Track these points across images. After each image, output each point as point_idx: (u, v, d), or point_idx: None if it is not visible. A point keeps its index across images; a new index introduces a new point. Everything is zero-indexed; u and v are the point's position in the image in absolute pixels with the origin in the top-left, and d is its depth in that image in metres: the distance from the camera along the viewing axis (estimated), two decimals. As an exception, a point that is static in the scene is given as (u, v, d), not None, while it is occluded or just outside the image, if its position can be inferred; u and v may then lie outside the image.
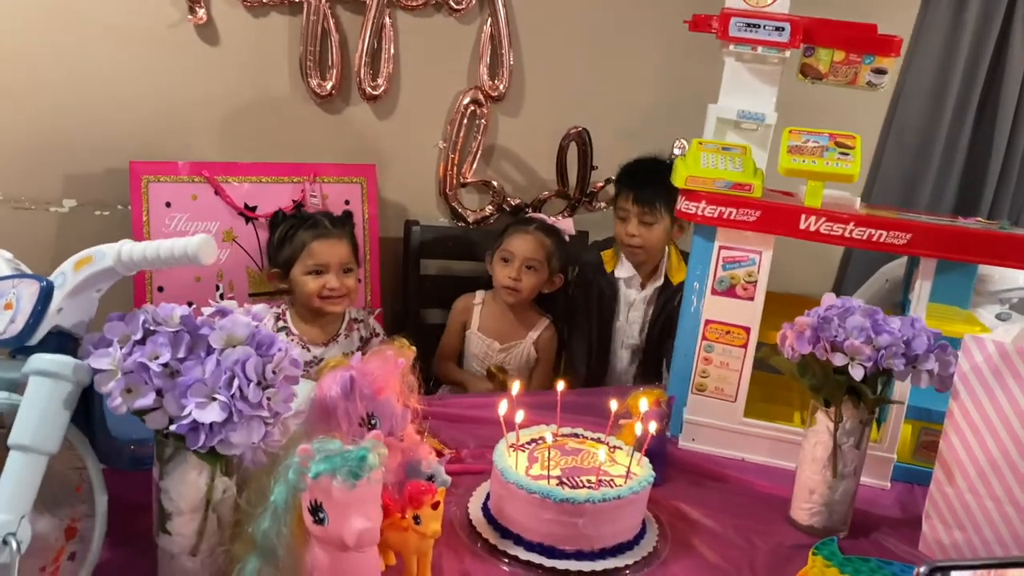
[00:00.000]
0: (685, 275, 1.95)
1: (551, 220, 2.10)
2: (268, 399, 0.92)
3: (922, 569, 0.59)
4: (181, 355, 0.91)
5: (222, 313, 0.96)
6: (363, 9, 2.02)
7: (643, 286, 2.05)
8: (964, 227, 1.41)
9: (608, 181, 2.37)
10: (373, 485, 0.87)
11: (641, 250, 2.00)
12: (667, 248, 2.05)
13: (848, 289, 2.48)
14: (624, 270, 2.06)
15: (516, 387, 1.32)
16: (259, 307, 1.00)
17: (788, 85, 1.58)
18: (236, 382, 0.89)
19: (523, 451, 1.24)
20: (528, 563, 1.14)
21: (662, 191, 1.84)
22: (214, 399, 0.89)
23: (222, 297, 1.92)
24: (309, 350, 1.82)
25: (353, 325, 1.89)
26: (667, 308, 2.02)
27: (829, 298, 1.28)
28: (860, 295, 2.31)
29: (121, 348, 0.91)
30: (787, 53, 1.52)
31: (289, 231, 1.82)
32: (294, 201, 1.96)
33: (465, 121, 2.19)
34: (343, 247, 1.82)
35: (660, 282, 2.04)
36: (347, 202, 2.04)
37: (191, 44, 1.94)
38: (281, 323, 1.83)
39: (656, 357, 2.04)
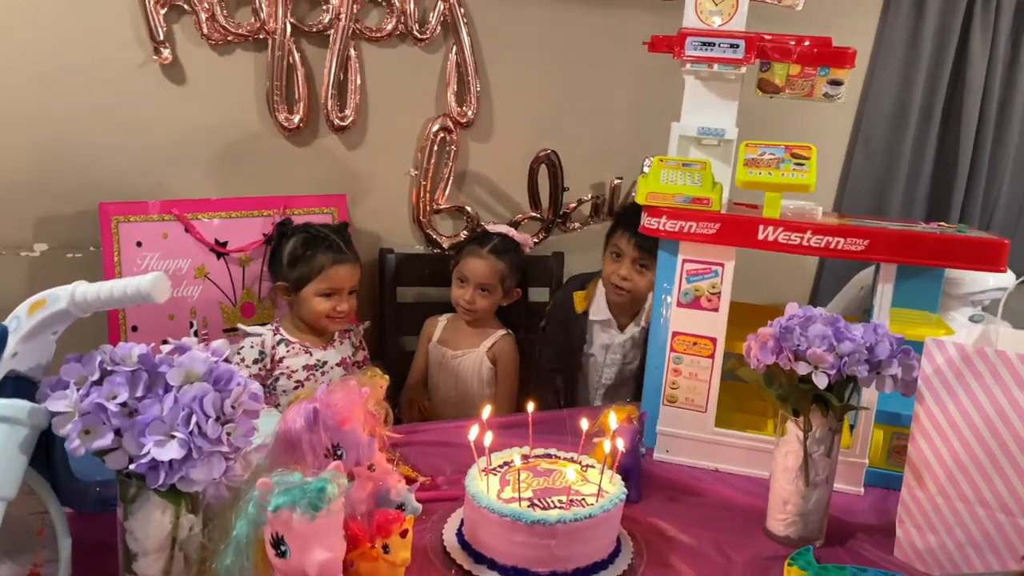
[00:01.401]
0: None
1: (512, 233, 2.10)
2: (228, 434, 0.92)
3: None
4: (139, 394, 0.92)
5: (181, 350, 0.97)
6: (327, 42, 2.05)
7: (623, 329, 2.02)
8: (921, 232, 1.43)
9: (580, 202, 2.40)
10: (333, 516, 0.87)
11: (628, 294, 1.96)
12: (650, 294, 1.99)
13: (824, 298, 2.50)
14: (599, 312, 2.02)
15: (487, 411, 1.32)
16: (218, 342, 1.00)
17: (757, 101, 1.61)
18: (194, 418, 0.90)
19: (495, 475, 1.24)
20: (502, 587, 1.13)
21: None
22: (173, 436, 0.89)
23: (196, 334, 1.92)
24: (311, 353, 1.86)
25: (344, 335, 1.93)
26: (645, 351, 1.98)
27: (792, 308, 1.29)
28: (836, 303, 2.34)
29: (78, 390, 0.91)
30: (743, 69, 1.55)
31: (306, 251, 1.82)
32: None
33: (435, 148, 2.21)
34: (356, 271, 1.87)
35: (642, 325, 1.99)
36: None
37: (158, 84, 1.96)
38: (279, 336, 1.85)
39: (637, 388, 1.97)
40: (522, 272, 2.08)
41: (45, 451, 0.97)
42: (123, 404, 0.90)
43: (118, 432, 0.90)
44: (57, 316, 0.94)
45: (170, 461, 0.88)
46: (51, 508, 0.96)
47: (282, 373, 1.83)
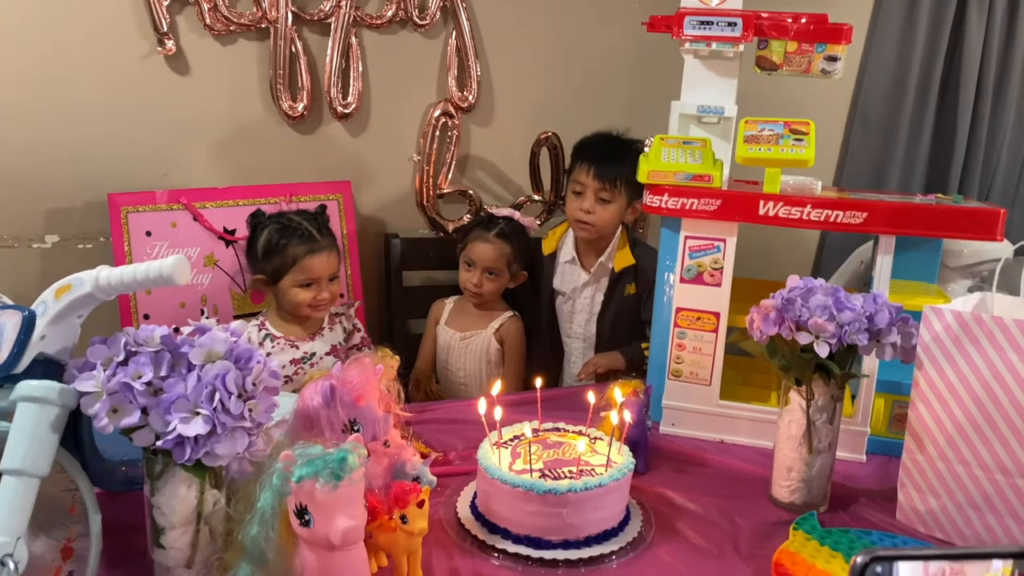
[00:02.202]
0: (629, 262, 1.97)
1: (516, 216, 2.13)
2: (249, 410, 0.95)
3: (860, 558, 0.60)
4: (163, 373, 0.95)
5: (201, 331, 1.00)
6: (328, 30, 2.07)
7: (588, 269, 2.03)
8: (918, 203, 1.45)
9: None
10: (355, 485, 0.90)
11: (592, 228, 1.96)
12: (618, 231, 2.02)
13: (825, 272, 2.52)
14: (566, 254, 2.04)
15: (497, 386, 1.35)
16: (237, 323, 1.03)
17: (757, 79, 1.63)
18: (217, 395, 0.93)
19: (506, 448, 1.28)
20: (516, 555, 1.17)
21: (623, 169, 1.82)
22: (197, 413, 0.93)
23: (207, 319, 1.95)
24: (298, 347, 1.86)
25: (335, 319, 1.93)
26: (614, 296, 1.99)
27: (793, 280, 1.32)
28: (837, 278, 2.36)
29: (104, 370, 0.94)
30: (741, 47, 1.57)
31: (280, 240, 1.81)
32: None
33: (437, 133, 2.24)
34: (333, 258, 1.85)
35: (609, 267, 2.00)
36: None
37: (163, 75, 1.98)
38: (264, 332, 1.86)
39: (613, 347, 2.01)
40: (528, 255, 2.11)
41: (74, 432, 1.00)
42: (148, 383, 0.93)
43: (144, 410, 0.93)
44: (82, 300, 0.97)
45: (195, 437, 0.92)
46: (81, 485, 0.99)
47: None
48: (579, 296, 2.07)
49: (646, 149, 2.06)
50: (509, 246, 2.05)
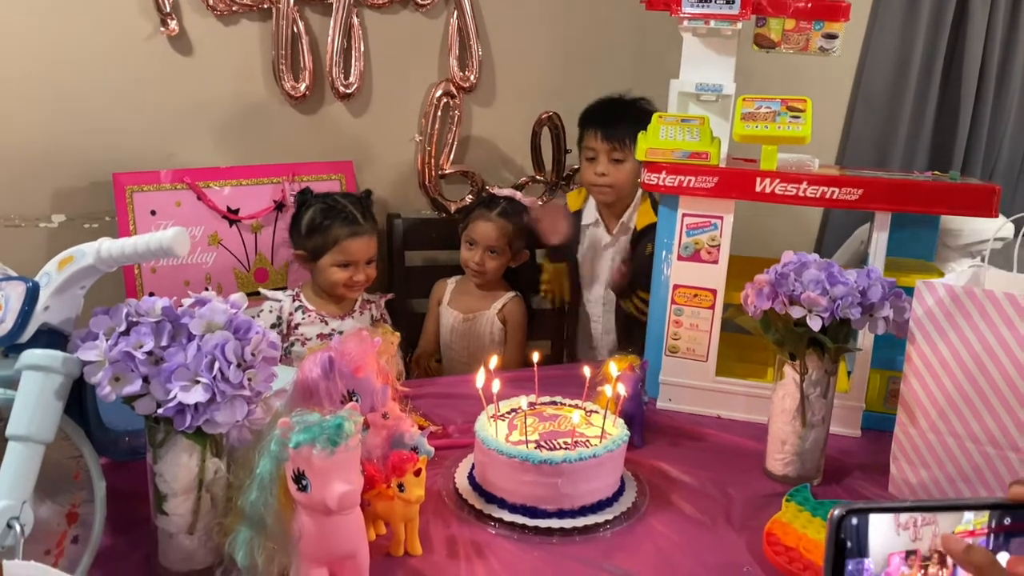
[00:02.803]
0: (652, 219, 1.94)
1: (518, 196, 2.14)
2: (248, 379, 0.97)
3: (836, 511, 0.61)
4: (164, 343, 0.97)
5: (201, 303, 1.02)
6: (330, 11, 2.08)
7: (610, 231, 2.06)
8: (914, 180, 1.46)
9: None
10: (351, 451, 0.92)
11: (611, 190, 1.98)
12: (638, 190, 2.03)
13: (827, 252, 2.53)
14: (589, 215, 2.07)
15: (494, 360, 1.37)
16: (236, 296, 1.05)
17: (760, 59, 1.63)
18: (217, 364, 0.95)
19: (503, 420, 1.30)
20: (512, 524, 1.19)
21: (631, 128, 1.81)
22: (197, 382, 0.95)
23: (212, 297, 1.98)
24: (327, 323, 1.90)
25: (366, 305, 1.97)
26: (634, 256, 2.00)
27: (787, 255, 1.34)
28: (838, 256, 2.37)
29: (107, 340, 0.96)
30: (739, 25, 1.57)
31: (323, 221, 1.86)
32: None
33: (439, 113, 2.25)
34: (372, 243, 1.90)
35: (631, 226, 2.02)
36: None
37: (166, 55, 1.99)
38: (297, 303, 1.90)
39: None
40: (529, 234, 2.12)
41: (79, 401, 1.03)
42: (149, 353, 0.95)
43: (146, 379, 0.95)
44: (85, 271, 0.99)
45: (195, 404, 0.94)
46: (85, 452, 1.02)
47: (296, 339, 1.88)
48: (601, 257, 2.09)
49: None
50: (511, 225, 2.06)
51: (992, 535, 0.63)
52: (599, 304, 2.12)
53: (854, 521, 0.61)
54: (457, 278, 2.17)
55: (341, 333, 1.86)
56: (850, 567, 0.62)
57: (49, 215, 1.98)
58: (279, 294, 1.91)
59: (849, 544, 0.61)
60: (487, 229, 2.05)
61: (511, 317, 2.11)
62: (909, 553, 0.63)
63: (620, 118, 1.95)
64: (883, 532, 0.62)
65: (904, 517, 0.62)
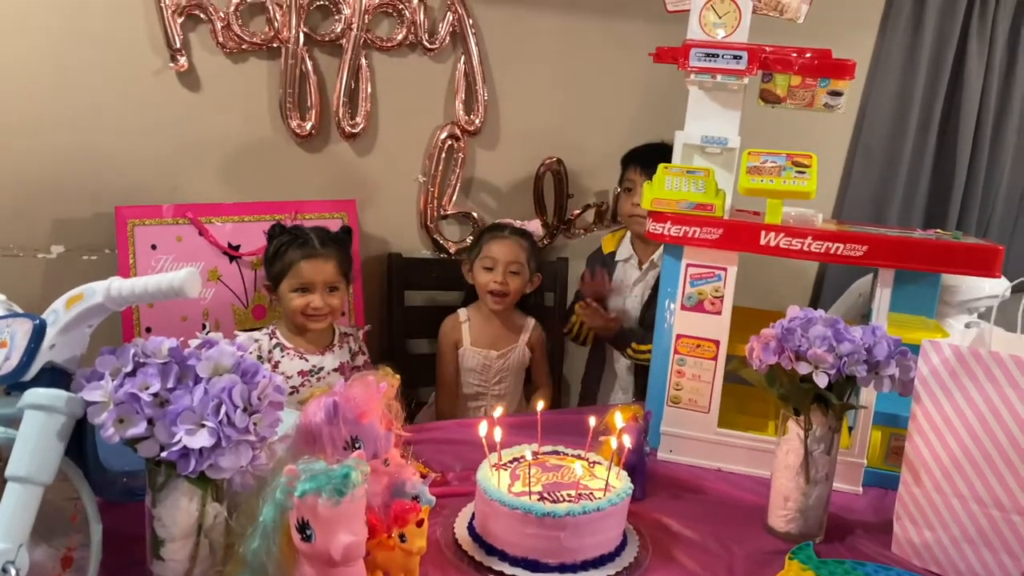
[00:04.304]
0: None
1: (519, 224, 2.16)
2: (254, 424, 0.96)
3: None
4: (170, 385, 0.96)
5: (208, 344, 1.01)
6: (340, 51, 2.09)
7: (641, 265, 2.14)
8: (918, 238, 1.47)
9: (585, 208, 2.45)
10: (357, 501, 0.91)
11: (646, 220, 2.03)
12: None
13: (824, 304, 2.54)
14: (623, 253, 2.16)
15: (499, 411, 1.36)
16: (243, 337, 1.04)
17: (760, 111, 1.65)
18: (223, 408, 0.94)
19: (505, 470, 1.28)
20: (513, 578, 1.17)
21: None
22: (203, 425, 0.93)
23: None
24: (307, 360, 1.87)
25: (344, 338, 1.94)
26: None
27: (793, 310, 1.34)
28: (835, 309, 2.38)
29: (112, 380, 0.95)
30: (746, 80, 1.60)
31: (281, 247, 1.85)
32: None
33: (443, 155, 2.26)
34: (329, 267, 1.85)
35: (659, 265, 2.03)
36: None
37: (174, 90, 2.00)
38: (275, 341, 1.87)
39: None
40: (539, 257, 2.16)
41: (77, 440, 1.01)
42: (155, 394, 0.94)
43: (151, 421, 0.94)
44: (93, 310, 0.98)
45: (200, 449, 0.93)
46: (83, 495, 1.00)
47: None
48: (630, 293, 2.16)
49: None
50: (526, 242, 2.09)
51: None
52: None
53: None
54: (467, 313, 2.14)
55: (322, 368, 1.87)
56: None
57: (48, 246, 1.97)
58: (255, 333, 1.86)
59: None
60: (506, 247, 2.05)
61: (538, 344, 2.14)
62: None
63: (661, 158, 1.99)
64: None
65: None
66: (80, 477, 1.00)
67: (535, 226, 2.20)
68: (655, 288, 2.07)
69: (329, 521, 0.89)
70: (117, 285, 0.98)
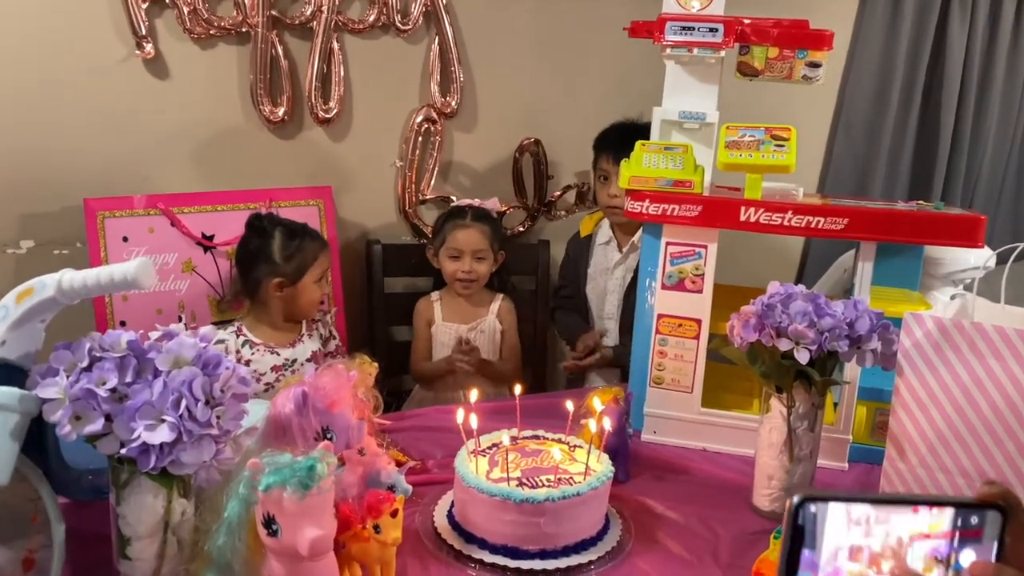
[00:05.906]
0: None
1: (478, 203, 2.14)
2: (217, 417, 0.93)
3: (795, 499, 0.61)
4: (128, 379, 0.93)
5: (169, 336, 0.98)
6: (310, 35, 2.05)
7: (621, 248, 2.11)
8: (899, 209, 1.45)
9: (565, 190, 2.41)
10: (324, 494, 0.88)
11: (623, 210, 2.01)
12: None
13: (809, 280, 2.52)
14: (602, 236, 2.14)
15: (474, 395, 1.34)
16: (206, 328, 1.01)
17: (741, 86, 1.62)
18: (184, 402, 0.91)
19: (483, 456, 1.26)
20: (493, 566, 1.15)
21: None
22: (163, 420, 0.90)
23: (185, 327, 1.93)
24: (278, 353, 1.84)
25: (312, 325, 1.92)
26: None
27: (773, 286, 1.31)
28: (820, 285, 2.36)
29: (68, 376, 0.92)
30: (723, 53, 1.56)
31: (294, 242, 1.84)
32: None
33: (420, 139, 2.22)
34: (477, 236, 2.03)
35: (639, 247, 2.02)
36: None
37: (141, 78, 1.95)
38: (242, 338, 1.84)
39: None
40: (502, 235, 2.16)
41: (37, 439, 0.98)
42: (113, 390, 0.91)
43: (108, 417, 0.91)
44: (45, 304, 0.95)
45: (161, 445, 0.89)
46: (44, 494, 0.97)
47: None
48: (611, 277, 2.14)
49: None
50: (488, 226, 2.07)
51: (954, 537, 0.63)
52: (613, 320, 2.14)
53: (812, 509, 0.61)
54: (439, 295, 2.14)
55: (295, 361, 1.84)
56: (804, 556, 0.62)
57: (17, 240, 1.92)
58: (221, 333, 1.82)
59: (806, 532, 0.62)
60: (469, 235, 2.04)
61: (506, 315, 2.13)
62: (855, 548, 0.63)
63: (632, 141, 1.96)
64: (836, 525, 0.62)
65: (857, 513, 0.62)
66: (39, 476, 0.97)
67: (494, 203, 2.17)
68: (637, 272, 2.04)
69: (295, 515, 0.86)
70: (68, 278, 0.94)
